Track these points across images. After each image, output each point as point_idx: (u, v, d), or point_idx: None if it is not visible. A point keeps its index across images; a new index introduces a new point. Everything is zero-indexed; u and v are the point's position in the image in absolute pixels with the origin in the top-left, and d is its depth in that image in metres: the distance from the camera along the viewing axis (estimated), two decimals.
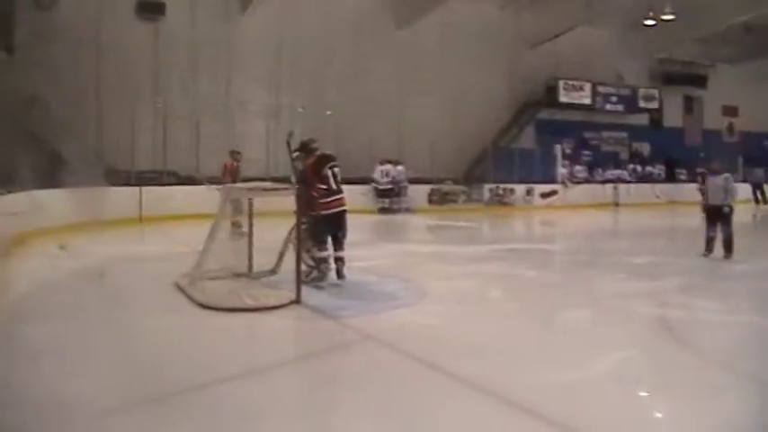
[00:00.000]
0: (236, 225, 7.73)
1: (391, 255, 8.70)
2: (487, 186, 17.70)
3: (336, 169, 6.15)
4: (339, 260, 6.14)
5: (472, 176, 18.35)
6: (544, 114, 20.58)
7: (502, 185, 17.80)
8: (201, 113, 14.45)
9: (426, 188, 16.84)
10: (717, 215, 7.84)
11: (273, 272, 6.32)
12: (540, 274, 7.28)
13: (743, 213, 13.18)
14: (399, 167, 15.99)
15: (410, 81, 17.93)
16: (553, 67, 20.00)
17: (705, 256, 7.86)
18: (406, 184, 16.04)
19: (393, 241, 11.25)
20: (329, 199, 6.05)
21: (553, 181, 18.88)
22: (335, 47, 17.07)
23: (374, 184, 15.78)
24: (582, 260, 8.56)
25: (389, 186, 15.82)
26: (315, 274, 6.09)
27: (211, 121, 14.44)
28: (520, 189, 18.04)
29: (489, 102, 18.99)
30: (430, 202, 16.82)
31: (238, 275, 6.22)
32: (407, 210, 15.90)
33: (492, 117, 19.19)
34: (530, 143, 19.71)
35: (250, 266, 6.38)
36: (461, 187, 17.50)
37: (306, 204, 5.84)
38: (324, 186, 6.02)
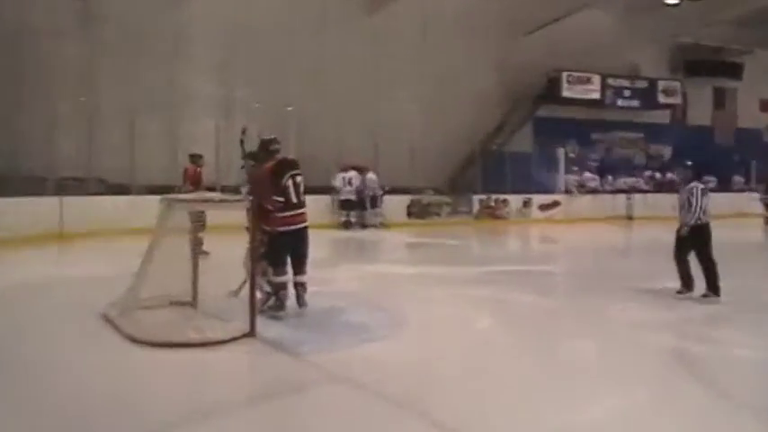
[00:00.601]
0: (197, 243, 7.70)
1: (362, 277, 8.70)
2: (476, 197, 17.86)
3: (299, 178, 6.13)
4: (300, 285, 6.16)
5: (458, 185, 18.57)
6: (543, 111, 20.81)
7: (494, 196, 17.95)
8: (138, 110, 14.34)
9: (405, 199, 17.00)
10: (686, 238, 7.31)
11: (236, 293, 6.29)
12: (537, 300, 7.36)
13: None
14: (370, 175, 16.04)
15: (385, 74, 18.05)
16: (553, 56, 20.17)
17: (680, 293, 7.30)
18: (378, 193, 16.10)
19: (364, 261, 11.31)
20: (288, 213, 6.03)
21: (554, 190, 19.16)
22: (297, 33, 17.15)
23: (334, 195, 15.85)
24: (587, 284, 8.62)
25: (352, 197, 15.87)
26: (272, 301, 6.08)
27: (150, 119, 14.45)
28: (515, 200, 18.20)
29: (478, 97, 19.17)
30: (409, 214, 17.02)
31: (181, 304, 6.20)
32: (380, 224, 15.97)
33: (481, 115, 19.37)
34: (526, 146, 19.94)
35: (194, 293, 6.33)
36: (445, 198, 17.66)
37: (261, 219, 5.84)
38: (280, 199, 5.98)
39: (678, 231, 7.24)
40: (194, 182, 10.17)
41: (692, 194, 7.14)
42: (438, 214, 17.24)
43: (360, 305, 6.57)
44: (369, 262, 11.19)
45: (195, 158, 10.62)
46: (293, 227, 6.05)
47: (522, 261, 11.98)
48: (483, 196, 17.87)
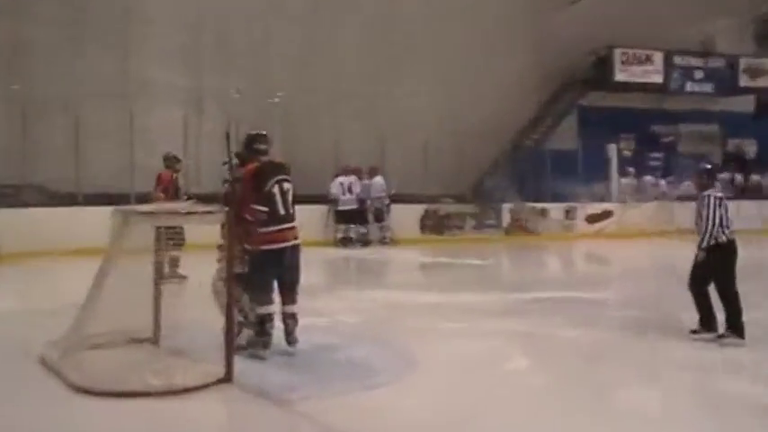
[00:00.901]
0: (173, 265, 7.75)
1: (365, 307, 8.76)
2: (507, 206, 17.86)
3: (287, 185, 6.21)
4: (289, 317, 6.20)
5: (485, 192, 18.59)
6: (591, 100, 20.86)
7: (529, 205, 18.01)
8: (83, 101, 14.46)
9: (417, 209, 17.06)
10: (704, 263, 7.15)
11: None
12: (582, 335, 7.39)
13: None
14: (377, 179, 16.11)
15: (392, 59, 18.16)
16: (603, 30, 19.93)
17: (695, 333, 7.16)
18: (385, 202, 16.11)
19: (367, 287, 11.36)
20: (273, 228, 6.08)
21: (605, 197, 19.10)
22: (283, 10, 17.27)
23: (330, 205, 15.90)
24: (645, 316, 8.54)
25: (353, 207, 15.88)
26: (253, 337, 6.12)
27: (98, 113, 14.51)
28: (555, 210, 18.25)
29: (509, 85, 19.21)
30: (423, 228, 17.12)
31: (140, 341, 6.22)
32: (386, 241, 16.03)
33: (513, 106, 19.39)
34: (570, 143, 19.85)
35: (157, 327, 6.35)
36: (468, 207, 17.72)
37: (240, 235, 5.90)
38: (263, 209, 6.03)
39: (696, 257, 7.13)
40: (165, 189, 10.24)
41: (704, 205, 7.01)
42: (459, 228, 17.31)
43: (362, 342, 6.62)
44: (373, 288, 11.23)
45: (171, 162, 10.66)
46: (279, 245, 6.09)
47: (565, 287, 11.77)
48: (515, 205, 17.91)
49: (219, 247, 5.95)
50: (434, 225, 17.14)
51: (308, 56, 17.17)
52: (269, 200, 6.06)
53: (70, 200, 13.37)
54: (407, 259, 14.55)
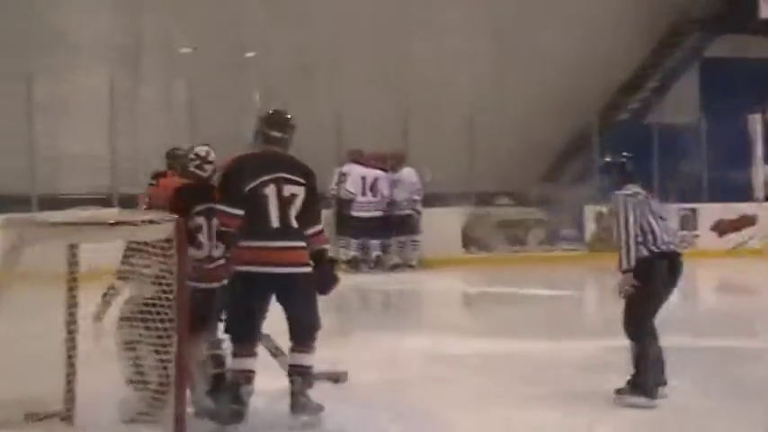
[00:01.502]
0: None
1: (389, 359, 8.92)
2: (591, 208, 17.95)
3: (292, 188, 6.33)
4: (295, 372, 6.30)
5: (557, 189, 18.67)
6: (720, 49, 20.96)
7: None
8: None
9: (458, 215, 17.22)
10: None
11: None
12: (716, 408, 7.32)
13: None
14: (407, 172, 16.17)
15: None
16: None
17: (621, 394, 7.39)
18: (418, 207, 16.19)
19: (392, 330, 11.33)
20: (257, 243, 6.25)
21: (745, 195, 19.09)
22: None
23: (337, 208, 16.02)
24: None
25: (377, 213, 15.95)
26: (219, 405, 6.15)
27: None
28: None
29: (594, 29, 19.28)
30: (466, 243, 17.22)
31: (45, 417, 6.19)
32: (412, 263, 16.08)
33: (601, 62, 19.40)
34: (687, 113, 20.03)
35: (70, 396, 6.30)
36: (534, 211, 17.88)
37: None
38: (238, 212, 6.18)
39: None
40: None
41: (614, 211, 7.35)
42: (520, 241, 17.44)
43: (382, 409, 6.72)
44: (400, 331, 11.24)
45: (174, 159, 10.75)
46: (259, 268, 6.24)
47: (683, 329, 11.12)
48: (604, 208, 17.79)
49: (120, 276, 5.97)
50: (483, 237, 17.29)
51: None
52: (255, 204, 6.22)
53: None
54: (446, 289, 14.93)
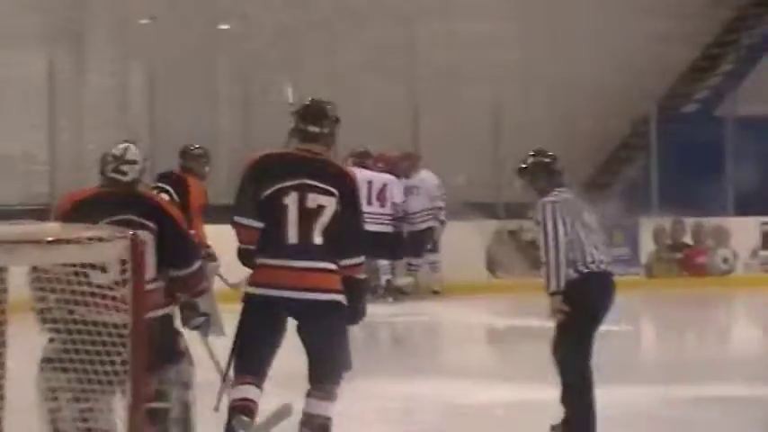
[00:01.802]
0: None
1: (402, 409, 9.61)
2: (650, 222, 18.34)
3: (318, 198, 6.58)
4: (307, 422, 6.55)
5: (605, 197, 19.30)
6: None
7: (690, 220, 18.56)
8: None
9: (481, 229, 17.85)
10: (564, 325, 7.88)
11: None
12: None
13: None
14: (425, 176, 16.71)
15: None
16: None
17: None
18: (441, 218, 16.68)
19: (405, 374, 11.71)
20: (268, 261, 6.52)
21: None
22: None
23: None
24: None
25: (386, 227, 16.25)
26: None
27: None
28: (743, 230, 18.75)
29: (650, 6, 19.96)
30: (491, 266, 17.73)
31: None
32: (435, 288, 16.83)
33: (657, 41, 20.29)
34: (764, 104, 19.89)
35: None
36: None
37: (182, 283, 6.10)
38: (256, 224, 6.60)
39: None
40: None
41: (541, 222, 7.62)
42: None
43: None
44: (413, 375, 11.43)
45: (193, 160, 11.10)
46: (267, 291, 6.53)
47: (759, 375, 11.65)
48: (666, 222, 17.82)
49: (41, 315, 5.90)
50: (512, 258, 17.44)
51: None
52: (271, 215, 6.54)
53: None
54: (468, 322, 15.12)
